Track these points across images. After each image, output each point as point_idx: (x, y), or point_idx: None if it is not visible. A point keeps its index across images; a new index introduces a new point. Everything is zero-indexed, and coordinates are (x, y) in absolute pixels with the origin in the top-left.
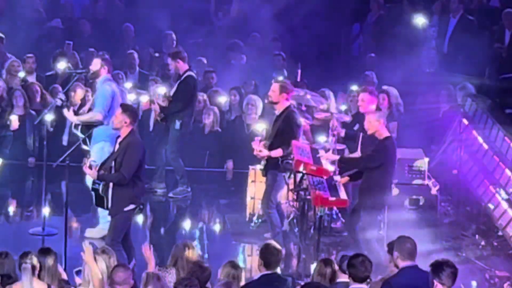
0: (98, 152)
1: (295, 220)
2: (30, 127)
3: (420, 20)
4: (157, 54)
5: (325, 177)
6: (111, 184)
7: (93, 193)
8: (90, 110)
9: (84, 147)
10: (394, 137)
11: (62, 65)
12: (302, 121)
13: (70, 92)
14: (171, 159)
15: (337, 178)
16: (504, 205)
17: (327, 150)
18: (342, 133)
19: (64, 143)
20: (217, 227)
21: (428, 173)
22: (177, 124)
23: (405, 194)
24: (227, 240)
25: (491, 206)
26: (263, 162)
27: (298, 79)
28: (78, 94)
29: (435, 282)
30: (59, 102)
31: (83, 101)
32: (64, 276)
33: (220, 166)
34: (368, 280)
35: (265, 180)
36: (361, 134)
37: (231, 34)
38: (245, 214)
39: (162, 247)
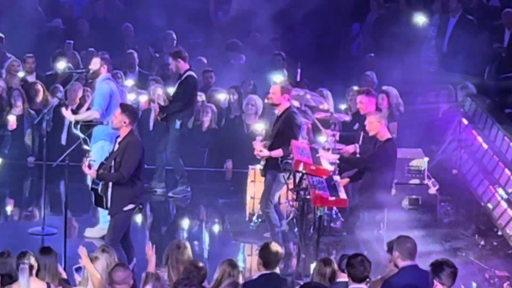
0: (98, 151)
1: (294, 220)
2: (28, 126)
3: (420, 19)
4: (157, 55)
5: (324, 177)
6: (110, 184)
7: (92, 192)
8: (89, 109)
9: (85, 146)
10: (394, 137)
11: (62, 65)
12: (303, 121)
13: (68, 91)
14: (171, 159)
15: (336, 178)
16: (504, 204)
17: (326, 150)
18: (337, 136)
19: (63, 142)
20: (216, 227)
21: (428, 172)
22: (177, 123)
23: (402, 194)
24: (226, 240)
25: (490, 206)
26: (262, 162)
27: (298, 79)
28: (77, 93)
29: (435, 282)
30: (56, 101)
31: (83, 101)
32: (64, 275)
33: (219, 165)
34: (368, 279)
35: (264, 180)
36: (361, 133)
37: (231, 33)
38: (244, 214)
39: (162, 247)
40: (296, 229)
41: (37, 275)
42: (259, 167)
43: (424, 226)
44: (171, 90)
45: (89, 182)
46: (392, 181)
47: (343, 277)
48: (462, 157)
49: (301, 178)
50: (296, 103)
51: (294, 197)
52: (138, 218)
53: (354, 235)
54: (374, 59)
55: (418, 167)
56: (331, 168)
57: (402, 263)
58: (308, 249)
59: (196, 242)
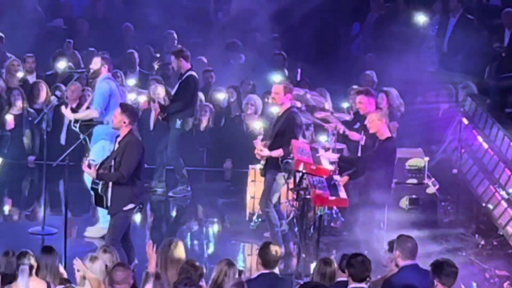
0: (98, 151)
1: (294, 220)
2: (27, 126)
3: (420, 19)
4: (157, 55)
5: (324, 177)
6: (110, 184)
7: (92, 192)
8: (88, 108)
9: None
10: (394, 137)
11: (62, 65)
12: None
13: (68, 90)
14: (171, 158)
15: (337, 177)
16: (504, 204)
17: (326, 150)
18: (342, 129)
19: (62, 142)
20: (216, 227)
21: (428, 172)
22: (178, 123)
23: (401, 193)
24: (226, 239)
25: (491, 205)
26: (262, 162)
27: (298, 79)
28: (76, 92)
29: (436, 282)
30: (55, 99)
31: (83, 100)
32: (65, 275)
33: (219, 165)
34: (368, 279)
35: (264, 179)
36: (362, 133)
37: (231, 33)
38: (244, 214)
39: None
40: (296, 229)
41: (38, 274)
42: (259, 166)
43: (424, 226)
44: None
45: (87, 182)
46: (391, 179)
47: (343, 277)
48: (462, 157)
49: (301, 178)
50: (298, 104)
51: (294, 196)
52: (138, 218)
53: (354, 235)
54: (374, 59)
55: (416, 166)
56: (331, 167)
57: (402, 263)
58: (308, 249)
59: (196, 242)
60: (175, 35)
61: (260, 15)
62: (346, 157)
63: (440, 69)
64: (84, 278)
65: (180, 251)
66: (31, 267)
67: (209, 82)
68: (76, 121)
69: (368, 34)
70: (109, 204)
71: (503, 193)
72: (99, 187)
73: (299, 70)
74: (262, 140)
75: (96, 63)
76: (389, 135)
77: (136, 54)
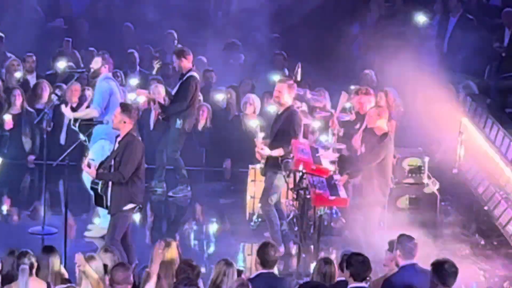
0: (98, 150)
1: (294, 219)
2: (26, 126)
3: (421, 19)
4: (157, 54)
5: (325, 177)
6: (110, 183)
7: (92, 192)
8: (88, 107)
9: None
10: (392, 135)
11: (62, 64)
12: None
13: (68, 90)
14: (171, 158)
15: (337, 177)
16: (504, 204)
17: (327, 149)
18: (341, 132)
19: (62, 142)
20: (216, 226)
21: (428, 172)
22: (178, 123)
23: (398, 193)
24: (227, 239)
25: (491, 205)
26: (263, 161)
27: (299, 79)
28: (76, 91)
29: (436, 282)
30: (55, 99)
31: (83, 99)
32: (66, 275)
33: (218, 165)
34: (368, 278)
35: (264, 179)
36: (363, 133)
37: (230, 33)
38: (244, 214)
39: None
40: (296, 229)
41: (38, 274)
42: (259, 166)
43: (424, 226)
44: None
45: (86, 182)
46: (389, 176)
47: (343, 277)
48: (462, 157)
49: (301, 178)
50: (298, 103)
51: (294, 196)
52: (139, 218)
53: (354, 235)
54: (374, 58)
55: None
56: (331, 167)
57: (402, 262)
58: (308, 249)
59: (196, 242)
60: (175, 35)
61: (260, 15)
62: (346, 157)
63: (440, 69)
64: (84, 273)
65: (173, 252)
66: (31, 267)
67: (209, 82)
68: (75, 120)
69: (368, 34)
70: (109, 203)
71: (502, 193)
72: (99, 187)
73: (299, 70)
74: (263, 138)
75: (96, 62)
76: (385, 131)
77: (136, 54)
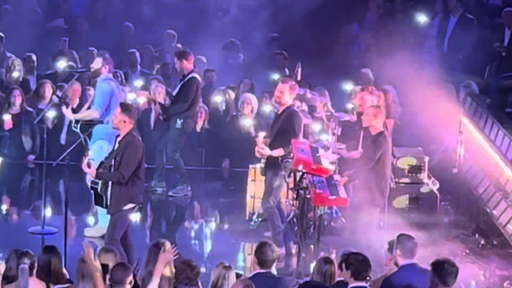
0: (97, 150)
1: (295, 219)
2: (26, 125)
3: (421, 18)
4: (157, 54)
5: (325, 176)
6: (110, 183)
7: (92, 191)
8: (89, 108)
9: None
10: (390, 134)
11: (62, 64)
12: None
13: (68, 90)
14: (171, 158)
15: (337, 177)
16: (504, 204)
17: (327, 149)
18: (339, 132)
19: (62, 142)
20: (217, 226)
21: (428, 172)
22: (178, 123)
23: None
24: (227, 239)
25: (490, 205)
26: (263, 161)
27: (299, 78)
28: (77, 92)
29: (436, 281)
30: (56, 99)
31: (84, 100)
32: (67, 275)
33: (218, 165)
34: (368, 278)
35: (264, 179)
36: (362, 133)
37: (230, 33)
38: (245, 213)
39: None
40: (296, 228)
41: (40, 274)
42: (259, 166)
43: (424, 226)
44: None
45: (88, 182)
46: (388, 175)
47: (343, 276)
48: (462, 157)
49: (301, 177)
50: (298, 103)
51: (294, 196)
52: (139, 217)
53: (354, 234)
54: (374, 58)
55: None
56: (331, 167)
57: (402, 262)
58: (309, 248)
59: (196, 242)
60: (175, 35)
61: (259, 15)
62: (346, 160)
63: (440, 68)
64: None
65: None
66: (31, 267)
67: (210, 82)
68: (76, 121)
69: (368, 34)
70: (108, 203)
71: (502, 192)
72: (99, 187)
73: (299, 70)
74: (264, 137)
75: (97, 62)
76: (380, 130)
77: (137, 54)
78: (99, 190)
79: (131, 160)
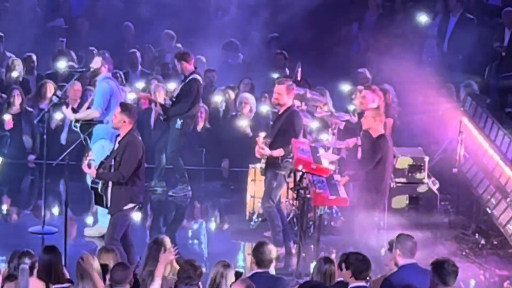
0: (98, 150)
1: (295, 219)
2: (27, 125)
3: (422, 18)
4: (157, 54)
5: (325, 176)
6: (110, 183)
7: (92, 191)
8: (89, 108)
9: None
10: (389, 134)
11: (62, 64)
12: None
13: (69, 90)
14: (171, 158)
15: (337, 177)
16: (504, 204)
17: (327, 149)
18: (342, 125)
19: (63, 141)
20: (217, 226)
21: (428, 171)
22: (178, 123)
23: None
24: (227, 239)
25: (491, 204)
26: (263, 161)
27: (299, 78)
28: (76, 91)
29: (436, 281)
30: (56, 100)
31: (84, 99)
32: (67, 274)
33: (217, 165)
34: (368, 278)
35: (264, 179)
36: (361, 133)
37: (230, 33)
38: (245, 213)
39: None
40: (296, 228)
41: (40, 274)
42: (259, 166)
43: (424, 226)
44: (172, 85)
45: (88, 181)
46: (389, 177)
47: (343, 276)
48: (462, 156)
49: (301, 177)
50: (298, 103)
51: (294, 196)
52: (139, 217)
53: (354, 234)
54: (374, 58)
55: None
56: (331, 167)
57: (402, 261)
58: (309, 248)
59: (196, 241)
60: (173, 34)
61: (260, 15)
62: (346, 161)
63: (440, 68)
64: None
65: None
66: (32, 266)
67: (211, 82)
68: (77, 121)
69: (368, 34)
70: (108, 203)
71: (503, 192)
72: (99, 187)
73: (299, 70)
74: (265, 137)
75: (96, 62)
76: (381, 132)
77: (138, 54)
78: (99, 190)
79: (131, 160)
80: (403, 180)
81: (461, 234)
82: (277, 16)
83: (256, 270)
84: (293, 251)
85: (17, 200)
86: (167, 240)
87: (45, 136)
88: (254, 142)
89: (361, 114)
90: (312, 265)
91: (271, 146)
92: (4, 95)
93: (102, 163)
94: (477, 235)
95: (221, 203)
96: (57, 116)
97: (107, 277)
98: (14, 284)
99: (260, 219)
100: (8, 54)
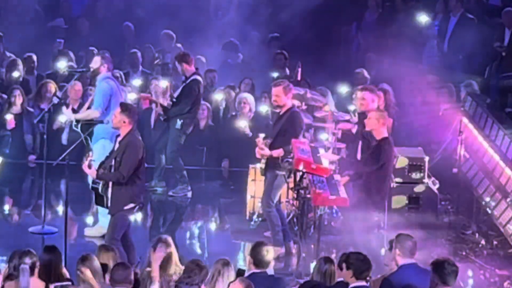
0: (99, 150)
1: (295, 219)
2: (28, 125)
3: (422, 18)
4: (157, 54)
5: (325, 176)
6: (110, 183)
7: (93, 191)
8: (89, 108)
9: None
10: (390, 133)
11: (62, 64)
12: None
13: (69, 90)
14: (171, 158)
15: (337, 177)
16: (504, 203)
17: (327, 149)
18: (338, 134)
19: (64, 142)
20: (217, 226)
21: (428, 171)
22: (178, 123)
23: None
24: (227, 239)
25: (491, 204)
26: (263, 161)
27: (299, 78)
28: (77, 91)
29: (436, 281)
30: (55, 100)
31: (85, 99)
32: (67, 274)
33: (218, 165)
34: (368, 278)
35: (264, 179)
36: (362, 133)
37: (230, 32)
38: (245, 213)
39: None
40: (296, 228)
41: (40, 274)
42: (259, 166)
43: (424, 225)
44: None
45: (89, 181)
46: (390, 179)
47: (343, 276)
48: (462, 156)
49: (301, 177)
50: (296, 102)
51: (295, 196)
52: (139, 217)
53: (354, 234)
54: (373, 58)
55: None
56: (331, 167)
57: (402, 261)
58: (309, 248)
59: (196, 241)
60: (173, 34)
61: (260, 15)
62: (347, 161)
63: (440, 68)
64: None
65: (171, 249)
66: (32, 266)
67: (211, 82)
68: (77, 121)
69: (368, 33)
70: (109, 203)
71: (503, 192)
72: (99, 187)
73: (299, 69)
74: (265, 138)
75: (96, 62)
76: (385, 135)
77: (139, 54)
78: (100, 190)
79: (131, 160)
80: (402, 180)
81: (461, 234)
82: (277, 16)
83: (254, 270)
84: (293, 251)
85: (18, 200)
86: (169, 240)
87: (45, 136)
88: (254, 142)
89: (361, 114)
90: (312, 265)
91: (272, 147)
92: (4, 95)
93: (102, 163)
94: (477, 235)
95: (221, 203)
96: (61, 118)
97: (107, 276)
98: (14, 283)
99: (260, 219)
100: (8, 54)
